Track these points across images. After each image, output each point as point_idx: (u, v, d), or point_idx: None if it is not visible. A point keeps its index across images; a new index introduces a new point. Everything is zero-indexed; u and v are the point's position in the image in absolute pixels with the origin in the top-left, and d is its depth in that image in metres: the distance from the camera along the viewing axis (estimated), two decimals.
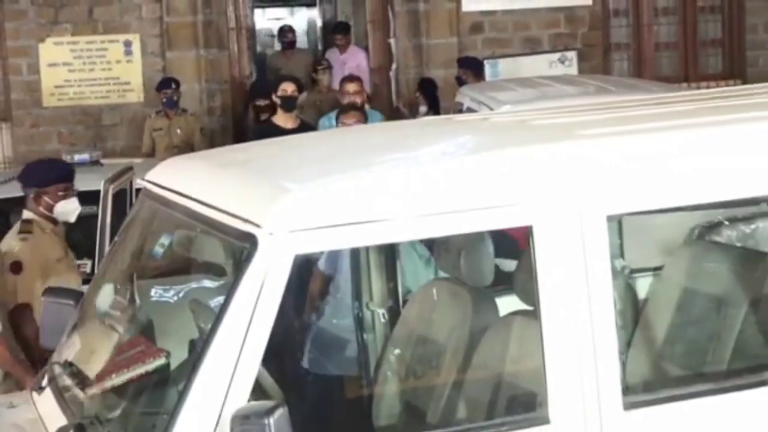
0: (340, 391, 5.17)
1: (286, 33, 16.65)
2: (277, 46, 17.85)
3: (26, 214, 6.72)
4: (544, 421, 3.83)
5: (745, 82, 12.75)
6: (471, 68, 12.59)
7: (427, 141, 4.71)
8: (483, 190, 3.88)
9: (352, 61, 14.51)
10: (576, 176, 3.95)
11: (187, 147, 11.33)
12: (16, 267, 6.46)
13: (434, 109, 11.77)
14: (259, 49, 19.75)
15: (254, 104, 11.85)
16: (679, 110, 4.90)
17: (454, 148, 4.50)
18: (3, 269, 6.49)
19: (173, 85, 12.19)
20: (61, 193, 6.62)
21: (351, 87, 10.48)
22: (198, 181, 4.32)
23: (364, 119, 8.83)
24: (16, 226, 6.73)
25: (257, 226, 3.65)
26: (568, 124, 4.54)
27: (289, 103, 10.12)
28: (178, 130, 11.96)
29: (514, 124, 4.87)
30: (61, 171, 6.92)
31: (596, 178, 3.97)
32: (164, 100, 12.13)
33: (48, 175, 6.78)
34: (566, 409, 3.83)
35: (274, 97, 10.28)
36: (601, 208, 3.93)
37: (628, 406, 3.90)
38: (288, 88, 10.13)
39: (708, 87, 11.80)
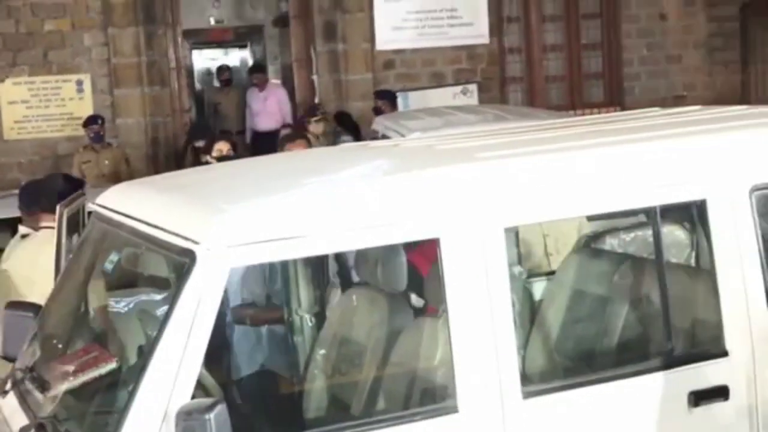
0: (274, 388, 5.14)
1: (224, 72, 16.66)
2: (216, 83, 17.80)
3: (24, 229, 6.58)
4: (454, 410, 3.84)
5: (623, 109, 12.90)
6: (388, 99, 12.65)
7: (347, 165, 4.70)
8: (395, 207, 3.89)
9: (273, 96, 14.48)
10: (476, 194, 3.96)
11: (114, 176, 11.19)
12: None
13: (356, 137, 11.75)
14: (197, 86, 19.70)
15: (193, 146, 11.44)
16: (566, 134, 4.94)
17: (370, 170, 4.50)
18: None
19: (99, 122, 12.03)
20: None
21: (297, 146, 8.74)
22: (143, 203, 4.28)
23: (309, 146, 8.66)
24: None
25: (196, 242, 3.63)
26: (469, 148, 4.55)
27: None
28: (106, 162, 11.79)
29: (422, 149, 4.87)
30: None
31: (494, 195, 3.99)
32: (92, 135, 11.92)
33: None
34: (472, 399, 3.84)
35: (209, 158, 9.03)
36: (499, 221, 3.95)
37: (527, 395, 3.92)
38: (223, 147, 9.09)
39: (591, 114, 11.90)
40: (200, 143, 10.66)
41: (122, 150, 12.26)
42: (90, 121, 12.05)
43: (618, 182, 4.21)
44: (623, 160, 4.29)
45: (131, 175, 10.73)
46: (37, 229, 6.46)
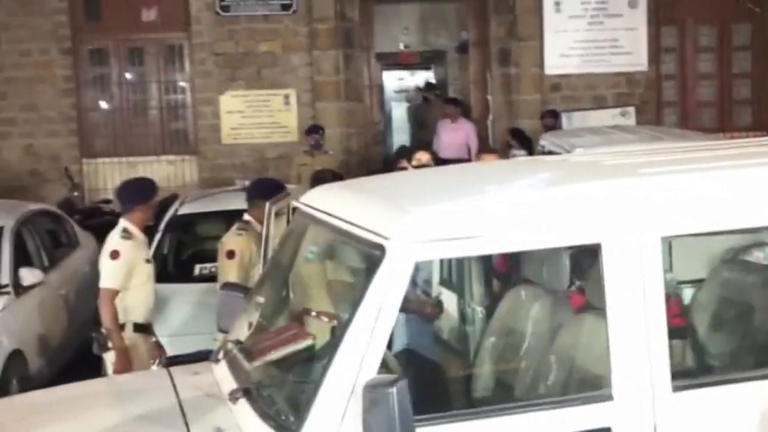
0: (448, 370, 5.11)
1: (430, 88, 16.68)
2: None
3: (246, 216, 6.86)
4: (609, 398, 3.76)
5: None
6: (556, 117, 12.57)
7: (520, 176, 4.65)
8: (563, 214, 3.83)
9: (462, 130, 13.62)
10: (637, 205, 3.87)
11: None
12: (231, 254, 6.59)
13: (528, 150, 11.57)
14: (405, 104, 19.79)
15: (397, 165, 11.05)
16: (718, 154, 4.78)
17: (540, 181, 4.44)
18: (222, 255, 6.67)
19: (320, 132, 12.07)
20: None
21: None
22: (340, 203, 4.32)
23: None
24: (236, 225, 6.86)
25: (386, 238, 3.64)
26: (632, 164, 4.45)
27: None
28: (319, 167, 11.86)
29: (589, 164, 4.78)
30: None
31: (653, 207, 3.89)
32: (312, 143, 11.94)
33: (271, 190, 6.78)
34: (626, 389, 3.75)
35: (405, 163, 8.62)
36: (657, 231, 3.85)
37: (676, 389, 3.81)
38: (423, 157, 8.50)
39: (740, 137, 11.52)
40: (404, 164, 9.96)
41: (336, 158, 12.29)
42: (311, 130, 12.11)
43: (764, 199, 4.04)
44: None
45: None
46: None
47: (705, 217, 3.97)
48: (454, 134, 13.61)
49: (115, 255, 6.30)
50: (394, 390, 3.33)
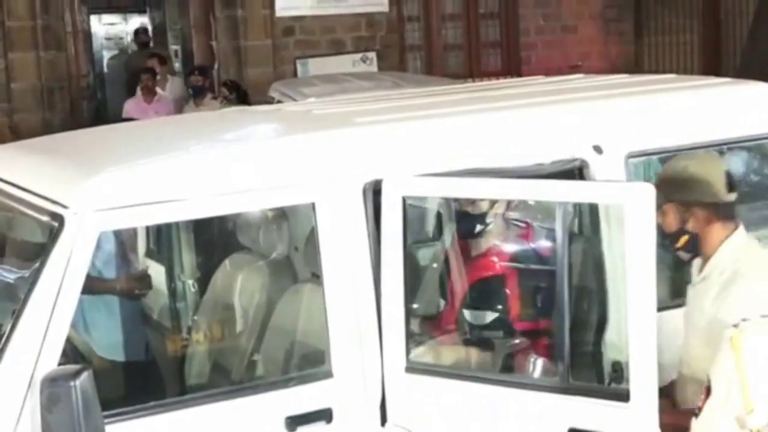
0: (155, 354, 5.01)
1: (140, 34, 16.43)
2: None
3: None
4: (328, 375, 3.78)
5: (519, 77, 12.92)
6: (205, 75, 12.42)
7: (225, 129, 4.60)
8: (271, 171, 3.81)
9: (160, 110, 12.11)
10: (352, 158, 3.89)
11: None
12: None
13: (244, 102, 11.34)
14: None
15: None
16: (445, 100, 4.88)
17: (247, 135, 4.41)
18: None
19: None
20: None
21: None
22: (15, 167, 4.15)
23: None
24: None
25: (64, 206, 3.52)
26: (348, 113, 4.47)
27: None
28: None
29: (301, 114, 4.78)
30: None
31: (369, 159, 3.91)
32: None
33: None
34: (347, 366, 3.77)
35: None
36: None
37: (411, 369, 3.81)
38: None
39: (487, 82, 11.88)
40: None
41: (5, 120, 11.71)
42: None
43: (492, 143, 4.15)
44: (488, 125, 4.25)
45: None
46: None
47: (422, 168, 3.99)
48: (149, 116, 11.68)
49: None
50: (77, 383, 3.22)
